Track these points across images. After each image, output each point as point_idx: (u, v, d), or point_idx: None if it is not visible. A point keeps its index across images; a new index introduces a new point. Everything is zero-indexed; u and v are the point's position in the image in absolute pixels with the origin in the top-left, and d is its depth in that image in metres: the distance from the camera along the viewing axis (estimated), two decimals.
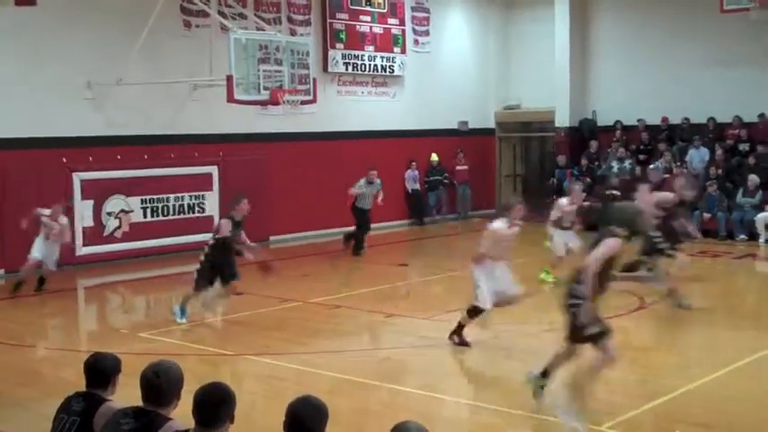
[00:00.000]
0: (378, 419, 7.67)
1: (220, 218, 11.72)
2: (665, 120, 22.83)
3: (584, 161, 22.93)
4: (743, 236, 19.17)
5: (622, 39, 23.94)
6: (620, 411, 7.90)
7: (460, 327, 10.34)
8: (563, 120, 24.27)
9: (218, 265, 11.59)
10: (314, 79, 17.90)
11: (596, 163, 22.94)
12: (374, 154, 20.80)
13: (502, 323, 11.96)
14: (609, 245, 7.61)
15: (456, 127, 24.01)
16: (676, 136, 22.56)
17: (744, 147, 21.31)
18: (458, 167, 23.54)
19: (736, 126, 21.77)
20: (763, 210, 19.19)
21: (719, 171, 20.60)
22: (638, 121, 23.08)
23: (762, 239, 18.96)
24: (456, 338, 10.34)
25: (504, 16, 25.32)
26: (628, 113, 23.27)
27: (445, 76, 23.67)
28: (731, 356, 9.80)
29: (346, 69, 21.32)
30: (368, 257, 17.81)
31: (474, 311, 10.26)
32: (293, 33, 19.85)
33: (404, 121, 22.49)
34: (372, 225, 18.42)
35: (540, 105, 24.40)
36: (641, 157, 22.34)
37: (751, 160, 20.61)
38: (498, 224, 10.27)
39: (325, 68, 20.71)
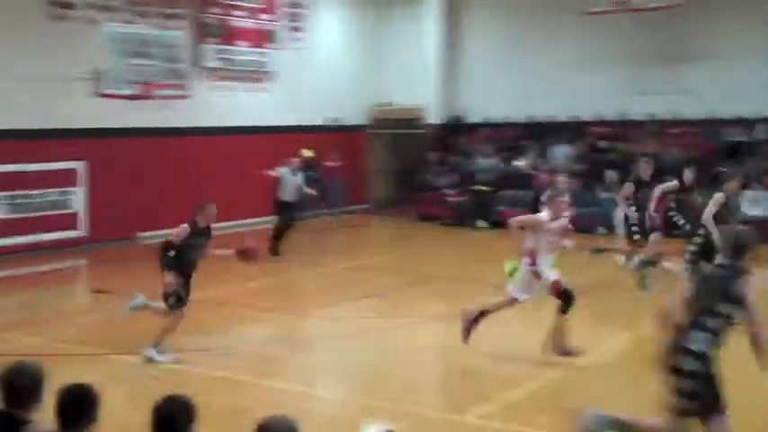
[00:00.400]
0: (253, 418, 7.71)
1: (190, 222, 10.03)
2: (530, 118, 23.56)
3: (453, 158, 23.48)
4: (602, 230, 19.92)
5: (492, 37, 24.57)
6: (483, 399, 8.16)
7: (556, 335, 9.54)
8: (433, 117, 24.80)
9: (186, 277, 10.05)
10: (186, 74, 17.72)
11: (465, 159, 23.46)
12: (248, 149, 20.77)
13: (374, 317, 12.20)
14: (752, 288, 5.92)
15: (331, 123, 24.14)
16: (541, 133, 23.29)
17: (606, 144, 22.19)
18: (330, 163, 23.64)
19: (598, 124, 22.66)
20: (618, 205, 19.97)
21: (582, 168, 21.41)
22: (506, 118, 23.76)
23: (620, 234, 19.70)
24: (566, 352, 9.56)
25: (378, 14, 25.55)
26: (496, 111, 23.91)
27: (319, 73, 23.75)
28: (589, 344, 10.05)
29: (220, 64, 21.14)
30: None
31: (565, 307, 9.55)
32: (165, 27, 19.57)
33: (278, 117, 22.46)
34: (244, 221, 17.93)
35: (411, 102, 24.79)
36: (508, 153, 23.00)
37: (612, 157, 21.50)
38: (543, 215, 9.75)
39: (198, 63, 20.47)
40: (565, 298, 9.46)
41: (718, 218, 11.98)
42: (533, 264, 9.55)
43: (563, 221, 9.82)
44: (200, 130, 20.44)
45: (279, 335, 11.38)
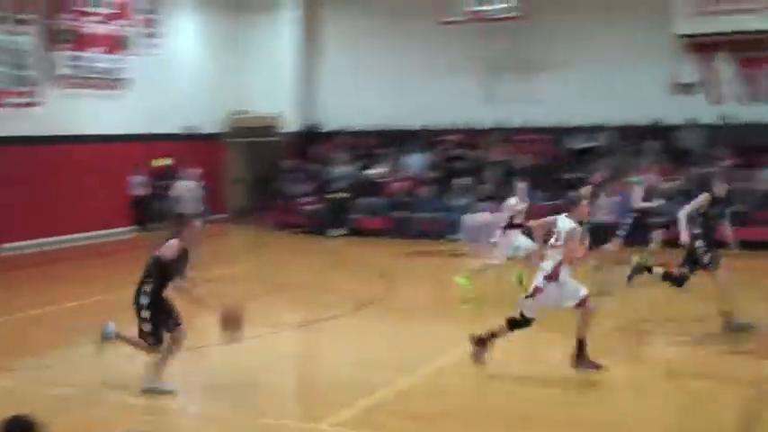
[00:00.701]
0: None
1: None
2: (387, 125, 24.00)
3: (309, 166, 23.70)
4: (454, 235, 20.50)
5: (349, 46, 24.93)
6: (338, 407, 8.36)
7: (491, 335, 9.36)
8: (291, 125, 24.98)
9: (166, 303, 8.92)
10: (36, 81, 17.28)
11: (321, 167, 23.69)
12: (103, 158, 20.43)
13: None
14: None
15: (186, 131, 23.92)
16: (397, 141, 23.74)
17: (458, 152, 22.82)
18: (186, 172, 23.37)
19: (451, 132, 23.28)
20: (469, 211, 20.58)
21: (435, 175, 22.00)
22: (362, 126, 24.15)
23: (469, 238, 20.25)
24: (477, 352, 9.38)
25: (236, 21, 25.47)
26: (352, 119, 24.27)
27: (176, 80, 23.52)
28: (439, 349, 10.52)
29: (72, 71, 20.67)
30: (90, 266, 17.36)
31: (517, 324, 9.23)
32: (12, 33, 19.03)
33: (133, 125, 22.13)
34: (94, 232, 17.50)
35: (269, 110, 24.88)
36: (363, 161, 23.37)
37: (463, 164, 22.15)
38: (569, 222, 9.00)
39: (49, 70, 19.98)
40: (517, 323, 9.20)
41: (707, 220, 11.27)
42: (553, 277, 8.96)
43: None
44: (52, 139, 19.96)
45: (128, 348, 11.19)
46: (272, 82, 24.66)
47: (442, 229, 20.63)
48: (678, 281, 11.26)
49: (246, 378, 9.58)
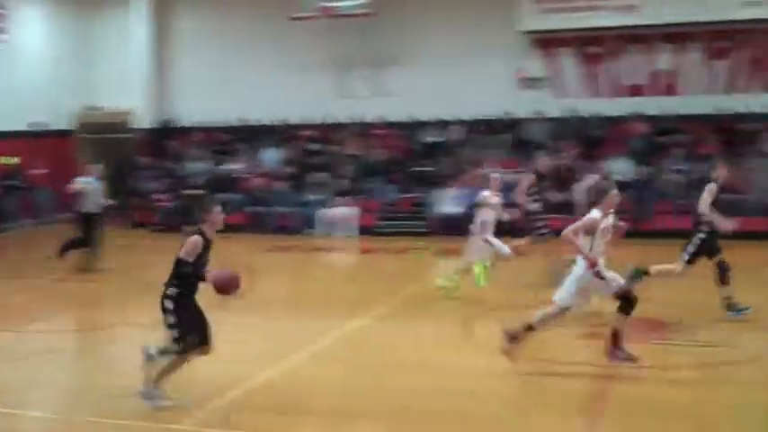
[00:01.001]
0: None
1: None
2: (242, 121, 23.95)
3: (164, 162, 23.41)
4: (311, 230, 20.69)
5: (202, 41, 24.79)
6: (197, 405, 8.39)
7: (616, 336, 9.01)
8: (143, 121, 24.59)
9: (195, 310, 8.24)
10: None
11: (177, 163, 23.45)
12: None
13: (91, 329, 12.02)
14: None
15: (34, 128, 23.23)
16: (253, 136, 23.74)
17: (314, 147, 23.00)
18: (35, 171, 22.73)
19: (307, 127, 23.44)
20: (326, 205, 20.85)
21: (291, 170, 22.12)
22: (218, 122, 24.02)
23: (326, 233, 20.55)
24: (619, 354, 8.98)
25: (85, 15, 24.90)
26: (207, 114, 24.13)
27: (22, 75, 22.82)
28: (299, 344, 10.64)
29: None
30: None
31: (628, 304, 8.89)
32: None
33: None
34: None
35: (121, 106, 24.44)
36: (219, 157, 23.26)
37: (320, 160, 22.34)
38: (595, 214, 8.81)
39: None
40: (630, 299, 8.97)
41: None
42: (594, 266, 8.72)
43: (611, 218, 8.99)
44: None
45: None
46: (124, 77, 24.23)
47: (298, 224, 20.81)
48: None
49: (109, 380, 9.48)
